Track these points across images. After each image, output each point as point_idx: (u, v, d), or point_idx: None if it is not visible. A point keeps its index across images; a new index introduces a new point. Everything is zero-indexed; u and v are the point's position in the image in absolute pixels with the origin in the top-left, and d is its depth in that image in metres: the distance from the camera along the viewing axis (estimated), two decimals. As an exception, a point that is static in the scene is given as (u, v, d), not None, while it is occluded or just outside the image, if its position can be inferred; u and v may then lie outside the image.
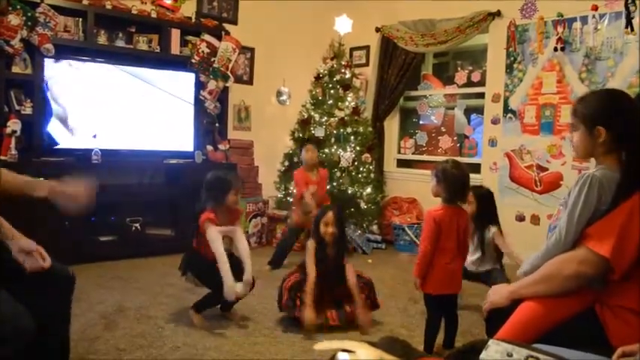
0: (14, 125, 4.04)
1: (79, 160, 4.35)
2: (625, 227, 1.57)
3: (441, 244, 2.64)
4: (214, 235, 2.95)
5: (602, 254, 1.58)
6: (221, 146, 5.25)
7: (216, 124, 5.33)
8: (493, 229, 3.37)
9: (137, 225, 4.61)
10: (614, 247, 1.56)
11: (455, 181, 2.63)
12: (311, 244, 3.16)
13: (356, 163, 5.25)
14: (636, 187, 1.61)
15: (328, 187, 4.94)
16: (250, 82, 5.98)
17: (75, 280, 2.01)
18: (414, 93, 6.11)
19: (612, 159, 1.71)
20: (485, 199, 3.43)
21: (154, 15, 4.89)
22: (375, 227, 5.51)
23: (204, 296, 3.12)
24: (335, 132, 5.29)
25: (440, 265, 2.65)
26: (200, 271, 3.10)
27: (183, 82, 5.03)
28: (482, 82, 5.41)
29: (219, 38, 5.17)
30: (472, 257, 3.38)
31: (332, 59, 5.42)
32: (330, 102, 5.36)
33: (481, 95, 5.40)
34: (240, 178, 3.32)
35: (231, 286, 2.90)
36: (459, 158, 5.72)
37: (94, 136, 4.48)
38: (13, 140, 4.03)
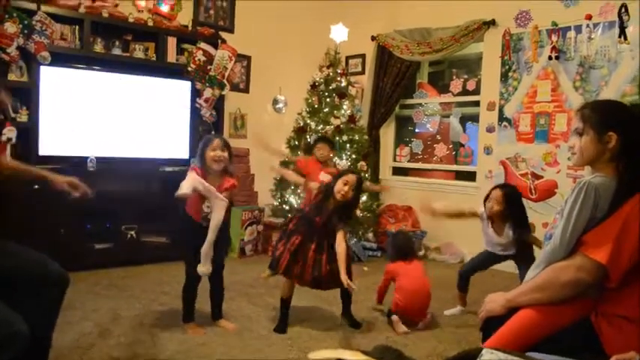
0: (10, 133, 4.03)
1: (74, 168, 4.33)
2: (621, 234, 1.58)
3: None
4: (185, 181, 2.95)
5: (598, 261, 1.59)
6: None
7: (212, 132, 5.33)
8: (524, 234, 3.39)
9: (132, 232, 4.60)
10: (611, 254, 1.57)
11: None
12: (315, 185, 3.14)
13: (352, 171, 5.26)
14: (633, 195, 1.62)
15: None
16: (246, 90, 5.99)
17: (68, 281, 2.02)
18: (409, 101, 6.13)
19: (610, 167, 1.72)
20: (513, 198, 3.42)
21: (150, 23, 4.90)
22: (370, 235, 5.51)
23: (182, 302, 3.14)
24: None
25: None
26: (183, 230, 3.12)
27: (179, 90, 5.03)
28: (477, 91, 5.44)
29: (216, 46, 5.18)
30: (498, 243, 3.46)
31: (328, 67, 5.43)
32: (326, 110, 5.37)
33: (476, 103, 5.43)
34: (224, 140, 3.19)
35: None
36: (454, 166, 5.77)
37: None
38: (8, 148, 4.03)
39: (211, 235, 2.97)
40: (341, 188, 3.06)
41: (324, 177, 4.23)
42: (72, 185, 2.36)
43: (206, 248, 2.96)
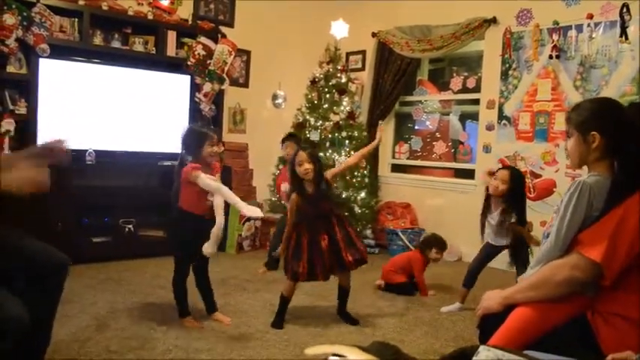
0: (8, 125, 4.03)
1: (72, 161, 4.31)
2: (616, 233, 1.59)
3: None
4: (207, 180, 2.93)
5: (593, 259, 1.60)
6: (215, 148, 5.24)
7: (211, 127, 5.32)
8: (512, 219, 3.42)
9: (130, 226, 4.59)
10: (606, 252, 1.58)
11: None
12: (294, 196, 3.13)
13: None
14: (627, 193, 1.62)
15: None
16: (246, 85, 5.98)
17: (68, 264, 2.02)
18: (409, 98, 6.12)
19: (604, 166, 1.73)
20: (518, 179, 3.50)
21: (150, 16, 4.89)
22: (368, 232, 5.51)
23: (175, 298, 3.13)
24: (330, 136, 5.30)
25: None
26: (192, 231, 3.00)
27: (179, 84, 5.02)
28: (477, 89, 5.43)
29: (216, 41, 5.16)
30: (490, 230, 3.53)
31: (328, 63, 5.43)
32: (326, 106, 5.37)
33: (476, 101, 5.42)
34: (214, 132, 3.23)
35: (252, 208, 2.91)
36: (453, 164, 5.76)
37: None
38: (6, 140, 4.02)
39: (220, 219, 2.92)
40: (300, 170, 3.07)
41: (284, 188, 4.29)
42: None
43: (216, 230, 2.88)
